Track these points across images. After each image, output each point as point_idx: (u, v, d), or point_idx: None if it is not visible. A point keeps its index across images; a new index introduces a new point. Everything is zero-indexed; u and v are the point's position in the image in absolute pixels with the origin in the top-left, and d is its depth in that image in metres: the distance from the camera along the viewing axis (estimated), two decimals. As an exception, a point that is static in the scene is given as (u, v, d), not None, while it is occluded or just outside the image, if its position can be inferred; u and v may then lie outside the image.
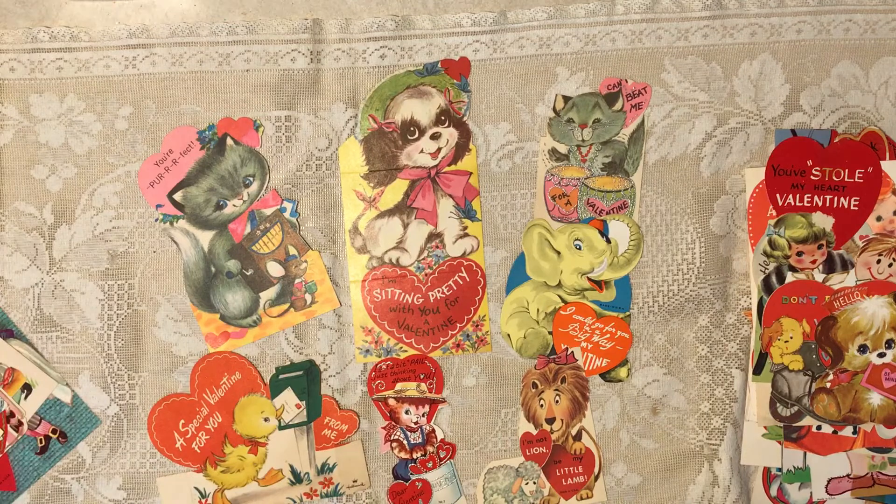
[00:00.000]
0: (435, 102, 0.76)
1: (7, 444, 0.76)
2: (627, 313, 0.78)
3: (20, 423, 0.76)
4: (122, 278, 0.77)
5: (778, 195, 0.77)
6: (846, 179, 0.76)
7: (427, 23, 0.76)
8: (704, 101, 0.77)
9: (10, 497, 0.76)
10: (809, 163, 0.76)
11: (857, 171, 0.76)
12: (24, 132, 0.75)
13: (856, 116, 0.78)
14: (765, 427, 0.79)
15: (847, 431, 0.79)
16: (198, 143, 0.73)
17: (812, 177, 0.76)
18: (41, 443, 0.76)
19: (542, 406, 0.75)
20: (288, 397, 0.76)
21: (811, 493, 0.79)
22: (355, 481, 0.78)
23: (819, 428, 0.79)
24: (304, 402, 0.76)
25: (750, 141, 0.77)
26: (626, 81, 0.76)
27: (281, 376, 0.76)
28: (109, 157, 0.76)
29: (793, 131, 0.77)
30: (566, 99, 0.76)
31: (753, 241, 0.77)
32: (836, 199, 0.76)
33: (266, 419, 0.76)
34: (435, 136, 0.76)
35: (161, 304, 0.77)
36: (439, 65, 0.76)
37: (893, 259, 0.77)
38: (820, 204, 0.76)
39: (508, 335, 0.78)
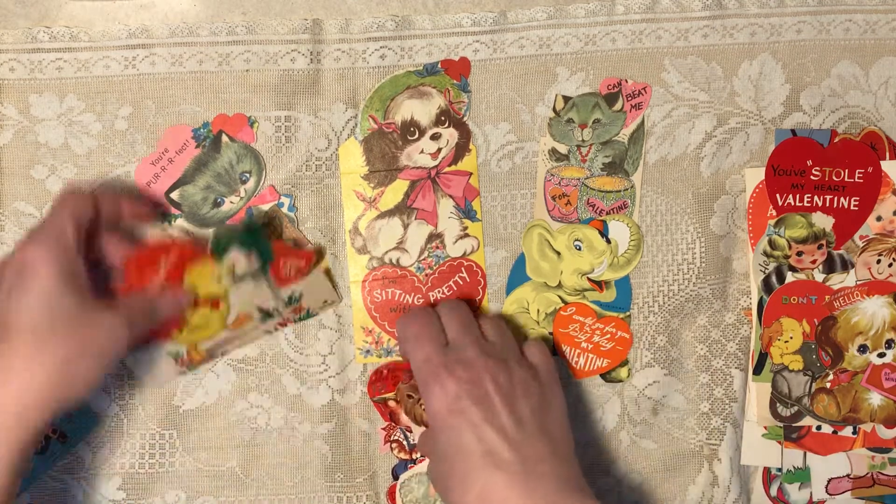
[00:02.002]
0: (435, 103, 0.76)
1: (7, 444, 0.76)
2: (628, 313, 0.78)
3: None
4: (122, 278, 0.77)
5: (778, 195, 0.77)
6: (846, 179, 0.76)
7: (427, 23, 0.76)
8: (704, 101, 0.77)
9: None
10: (809, 163, 0.76)
11: (857, 171, 0.76)
12: (24, 132, 0.75)
13: (856, 116, 0.78)
14: (765, 427, 0.79)
15: (847, 431, 0.79)
16: (193, 141, 0.73)
17: (812, 177, 0.76)
18: (41, 443, 0.76)
19: (424, 409, 0.73)
20: (235, 254, 0.74)
21: (811, 493, 0.79)
22: (326, 301, 0.78)
23: (819, 428, 0.79)
24: (252, 253, 0.75)
25: (750, 141, 0.77)
26: (626, 81, 0.76)
27: (221, 240, 0.74)
28: (109, 158, 0.76)
29: (793, 131, 0.77)
30: (566, 99, 0.76)
31: (753, 241, 0.77)
32: (836, 199, 0.76)
33: (220, 280, 0.74)
34: (435, 137, 0.76)
35: (161, 304, 0.77)
36: (439, 65, 0.76)
37: (893, 259, 0.77)
38: (820, 204, 0.77)
39: None
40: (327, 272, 0.78)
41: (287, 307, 0.77)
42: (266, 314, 0.76)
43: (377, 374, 0.78)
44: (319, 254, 0.77)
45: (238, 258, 0.74)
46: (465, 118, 0.76)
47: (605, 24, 0.77)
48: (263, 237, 0.76)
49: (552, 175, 0.77)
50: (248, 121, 0.73)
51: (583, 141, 0.76)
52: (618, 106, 0.76)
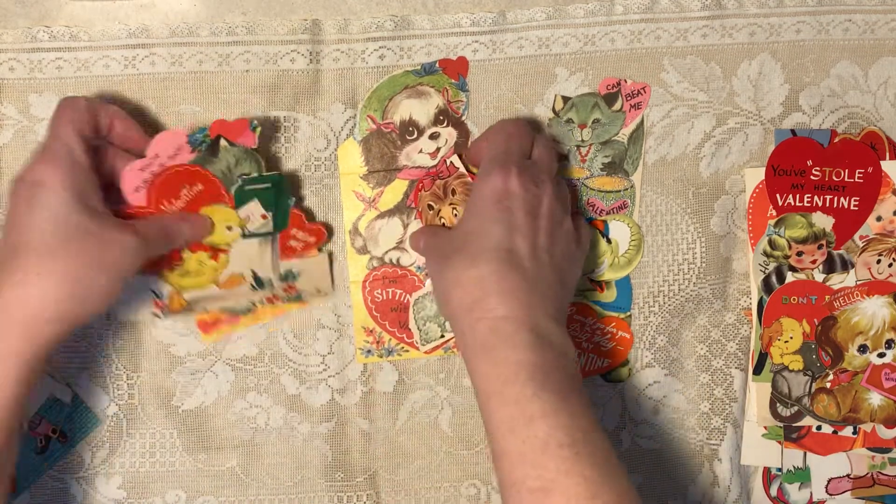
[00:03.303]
0: (433, 102, 0.76)
1: (7, 444, 0.76)
2: (628, 314, 0.78)
3: (20, 424, 0.76)
4: (122, 278, 0.77)
5: (778, 195, 0.77)
6: (846, 179, 0.76)
7: (426, 23, 0.76)
8: (704, 101, 0.77)
9: (9, 497, 0.76)
10: (809, 163, 0.76)
11: (857, 171, 0.76)
12: (24, 132, 0.75)
13: (855, 116, 0.78)
14: (765, 427, 0.79)
15: (847, 431, 0.79)
16: (188, 146, 0.72)
17: (812, 177, 0.76)
18: (41, 443, 0.76)
19: (443, 224, 0.74)
20: (253, 208, 0.74)
21: (811, 493, 0.80)
22: (318, 290, 0.77)
23: (819, 428, 0.79)
24: (270, 214, 0.74)
25: (749, 141, 0.77)
26: (626, 81, 0.76)
27: (247, 187, 0.73)
28: (109, 157, 0.76)
29: (792, 131, 0.77)
30: (565, 99, 0.76)
31: (753, 241, 0.77)
32: (836, 199, 0.76)
33: (229, 228, 0.74)
34: (434, 136, 0.76)
35: (160, 304, 0.77)
36: (437, 65, 0.75)
37: (893, 259, 0.77)
38: (820, 204, 0.77)
39: None
40: (330, 260, 0.78)
41: (281, 282, 0.77)
42: (259, 283, 0.76)
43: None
44: (329, 235, 0.77)
45: (255, 213, 0.74)
46: (463, 117, 0.76)
47: (604, 25, 0.77)
48: (285, 201, 0.75)
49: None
50: (250, 125, 0.73)
51: (582, 141, 0.76)
52: (617, 106, 0.76)
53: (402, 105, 0.76)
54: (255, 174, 0.72)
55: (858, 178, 0.76)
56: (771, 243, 0.77)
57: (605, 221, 0.77)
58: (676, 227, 0.78)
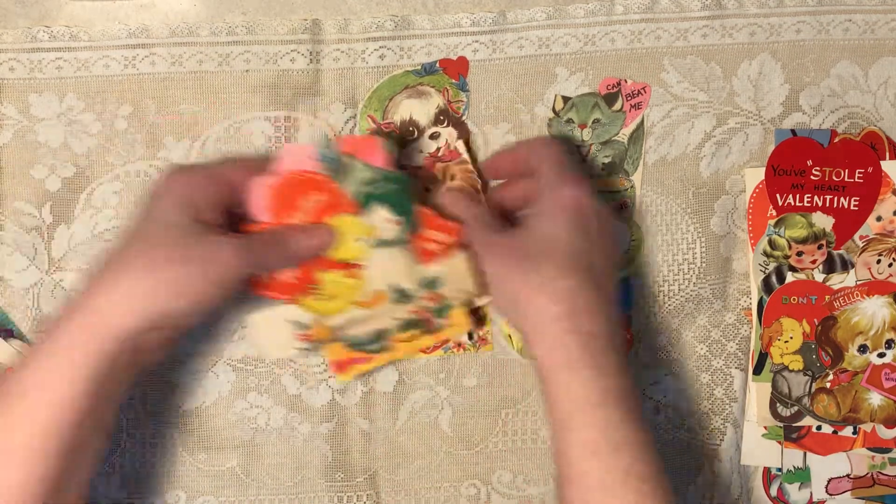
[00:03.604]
0: (433, 102, 0.76)
1: (6, 444, 0.76)
2: (628, 314, 0.78)
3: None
4: (122, 278, 0.77)
5: (778, 195, 0.77)
6: (846, 179, 0.76)
7: (426, 23, 0.76)
8: (704, 100, 0.77)
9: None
10: (809, 163, 0.76)
11: (857, 171, 0.76)
12: (24, 132, 0.75)
13: (855, 116, 0.78)
14: (765, 427, 0.79)
15: (847, 431, 0.79)
16: (315, 157, 0.69)
17: (812, 177, 0.76)
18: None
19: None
20: (382, 214, 0.69)
21: (811, 493, 0.80)
22: (467, 292, 0.73)
23: (819, 428, 0.79)
24: (400, 218, 0.70)
25: (749, 141, 0.77)
26: (626, 81, 0.76)
27: (373, 192, 0.69)
28: (109, 157, 0.76)
29: (793, 131, 0.77)
30: (565, 99, 0.76)
31: (753, 241, 0.77)
32: (836, 199, 0.76)
33: (359, 240, 0.70)
34: (434, 136, 0.76)
35: (160, 304, 0.77)
36: (437, 65, 0.75)
37: (893, 259, 0.77)
38: (820, 204, 0.77)
39: (510, 336, 0.78)
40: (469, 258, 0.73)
41: (425, 292, 0.72)
42: (401, 295, 0.72)
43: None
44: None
45: (384, 220, 0.70)
46: (463, 117, 0.76)
47: (604, 25, 0.77)
48: (412, 200, 0.70)
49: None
50: (384, 144, 0.69)
51: (583, 141, 0.76)
52: (617, 106, 0.76)
53: (402, 105, 0.76)
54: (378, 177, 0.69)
55: (858, 178, 0.76)
56: (771, 243, 0.77)
57: None
58: (676, 227, 0.78)
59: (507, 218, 0.73)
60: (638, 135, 0.76)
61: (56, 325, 0.61)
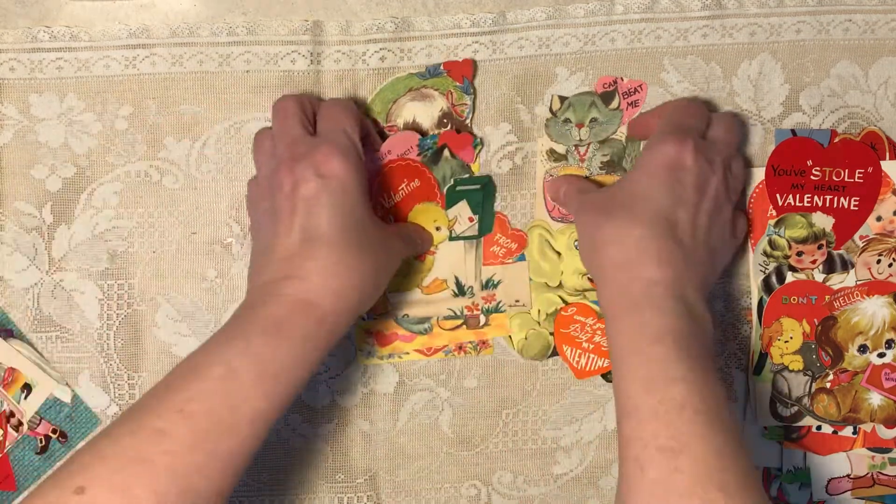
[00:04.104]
0: (437, 105, 0.76)
1: (7, 444, 0.76)
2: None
3: (20, 423, 0.76)
4: (122, 278, 0.76)
5: (778, 195, 0.77)
6: (846, 179, 0.76)
7: (426, 24, 0.76)
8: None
9: (10, 497, 0.76)
10: (809, 163, 0.76)
11: (857, 171, 0.76)
12: (24, 132, 0.75)
13: (855, 116, 0.78)
14: (765, 427, 0.79)
15: (847, 431, 0.79)
16: (417, 148, 0.74)
17: (812, 177, 0.76)
18: (41, 443, 0.76)
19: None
20: (462, 209, 0.75)
21: (811, 493, 0.80)
22: (517, 301, 0.78)
23: (819, 428, 0.79)
24: (477, 216, 0.76)
25: (749, 141, 0.77)
26: (622, 79, 0.76)
27: (458, 188, 0.75)
28: (109, 157, 0.76)
29: (793, 131, 0.77)
30: (562, 99, 0.76)
31: (753, 242, 0.77)
32: (836, 199, 0.76)
33: (438, 228, 0.76)
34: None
35: (161, 304, 0.77)
36: (442, 67, 0.75)
37: (893, 259, 0.77)
38: (820, 204, 0.77)
39: (510, 337, 0.78)
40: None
41: (482, 290, 0.77)
42: (460, 289, 0.77)
43: None
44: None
45: (463, 215, 0.75)
46: (467, 120, 0.76)
47: (604, 24, 0.77)
48: (491, 205, 0.76)
49: (551, 175, 0.77)
50: (473, 142, 0.75)
51: (580, 140, 0.76)
52: (614, 104, 0.76)
53: (405, 108, 0.76)
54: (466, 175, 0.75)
55: (858, 178, 0.76)
56: (771, 243, 0.77)
57: None
58: (677, 227, 0.78)
59: None
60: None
61: (300, 311, 0.63)
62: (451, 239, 0.76)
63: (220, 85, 0.76)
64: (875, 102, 0.77)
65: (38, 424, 0.76)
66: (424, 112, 0.76)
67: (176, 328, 0.77)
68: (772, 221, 0.77)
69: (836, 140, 0.77)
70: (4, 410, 0.76)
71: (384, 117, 0.76)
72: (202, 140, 0.76)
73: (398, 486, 0.80)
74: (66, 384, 0.76)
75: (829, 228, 0.77)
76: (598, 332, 0.77)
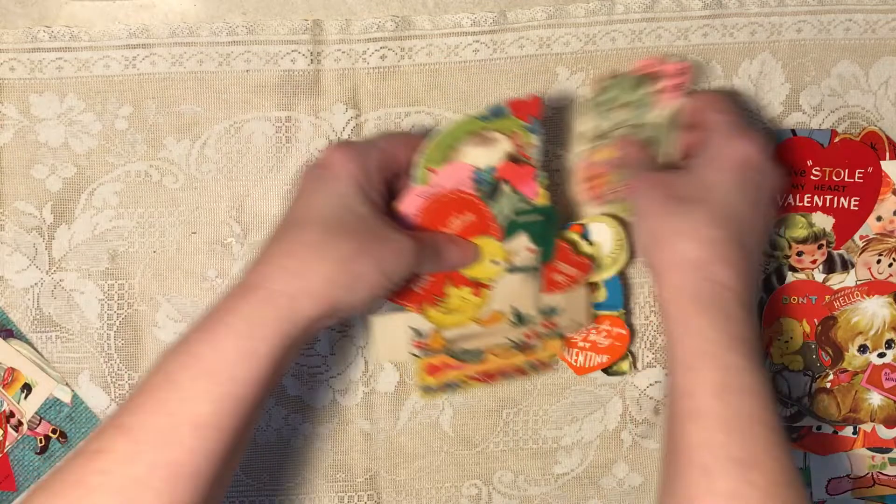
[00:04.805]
0: (501, 148, 0.70)
1: (7, 444, 0.76)
2: (622, 311, 0.78)
3: (20, 423, 0.76)
4: (123, 278, 0.77)
5: (778, 195, 0.76)
6: (846, 179, 0.76)
7: (427, 23, 0.76)
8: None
9: (9, 497, 0.76)
10: (809, 163, 0.76)
11: (857, 171, 0.76)
12: (24, 132, 0.75)
13: (856, 116, 0.78)
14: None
15: (847, 432, 0.79)
16: (471, 181, 0.70)
17: (812, 177, 0.76)
18: (41, 443, 0.77)
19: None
20: (521, 241, 0.72)
21: (811, 493, 0.80)
22: (578, 322, 0.76)
23: (819, 428, 0.79)
24: (539, 248, 0.72)
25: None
26: (668, 59, 0.74)
27: (519, 219, 0.71)
28: (109, 157, 0.76)
29: (793, 131, 0.77)
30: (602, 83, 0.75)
31: (754, 242, 0.77)
32: (836, 199, 0.76)
33: (495, 262, 0.72)
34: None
35: (161, 304, 0.77)
36: (506, 106, 0.70)
37: (894, 259, 0.77)
38: (820, 204, 0.77)
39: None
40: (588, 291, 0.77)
41: (541, 317, 0.75)
42: (519, 319, 0.74)
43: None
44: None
45: (522, 247, 0.72)
46: (532, 162, 0.71)
47: (604, 24, 0.77)
48: (553, 234, 0.73)
49: (585, 159, 0.76)
50: (535, 174, 0.70)
51: (622, 121, 0.75)
52: (658, 86, 0.73)
53: (466, 155, 0.69)
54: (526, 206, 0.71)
55: (858, 178, 0.76)
56: (771, 243, 0.77)
57: (583, 225, 0.76)
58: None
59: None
60: (677, 119, 0.74)
61: (240, 297, 0.60)
62: (510, 272, 0.72)
63: (219, 85, 0.76)
64: (875, 102, 0.77)
65: (38, 424, 0.76)
66: (486, 158, 0.70)
67: (176, 328, 0.77)
68: (772, 221, 0.77)
69: (836, 140, 0.77)
70: (4, 410, 0.76)
71: (442, 167, 0.70)
72: (202, 140, 0.76)
73: (399, 485, 0.80)
74: (66, 384, 0.77)
75: (829, 228, 0.77)
76: (593, 331, 0.77)
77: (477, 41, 0.76)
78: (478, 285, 0.72)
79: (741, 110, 0.73)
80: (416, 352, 0.74)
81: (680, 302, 0.65)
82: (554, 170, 0.77)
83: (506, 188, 0.70)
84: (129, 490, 0.54)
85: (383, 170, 0.67)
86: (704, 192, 0.67)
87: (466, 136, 0.69)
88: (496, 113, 0.69)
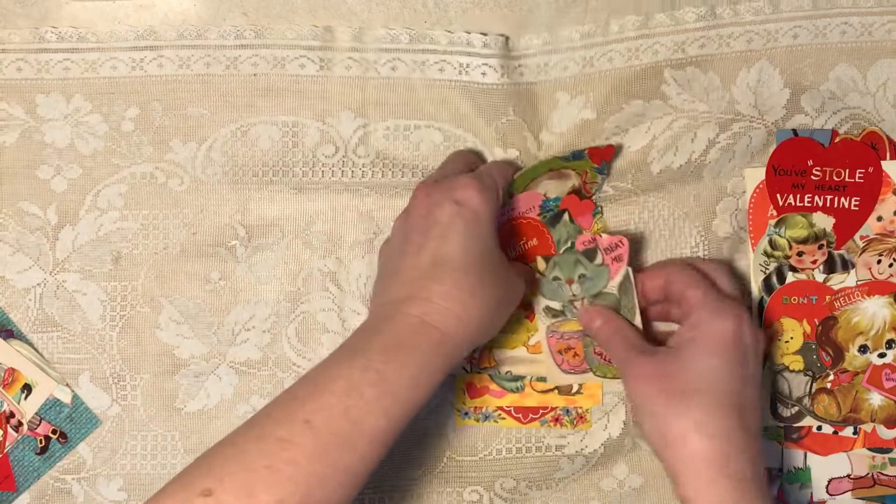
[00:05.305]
0: (569, 183, 0.76)
1: (7, 444, 0.75)
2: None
3: (20, 424, 0.75)
4: (126, 280, 0.76)
5: (778, 195, 0.78)
6: (847, 179, 0.77)
7: (443, 38, 0.77)
8: (704, 111, 0.78)
9: (10, 497, 0.75)
10: (810, 163, 0.77)
11: (858, 171, 0.77)
12: (30, 132, 0.75)
13: (857, 118, 0.79)
14: (765, 427, 0.79)
15: (847, 432, 0.79)
16: (538, 208, 0.76)
17: (812, 177, 0.77)
18: (41, 443, 0.76)
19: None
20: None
21: (811, 493, 0.80)
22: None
23: (819, 428, 0.79)
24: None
25: (753, 143, 0.78)
26: (601, 236, 0.75)
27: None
28: (115, 159, 0.76)
29: (794, 131, 0.78)
30: (546, 259, 0.76)
31: (754, 242, 0.78)
32: (836, 199, 0.77)
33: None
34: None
35: (164, 306, 0.77)
36: (585, 152, 0.75)
37: (894, 259, 0.78)
38: (820, 204, 0.78)
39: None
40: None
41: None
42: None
43: None
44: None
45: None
46: (594, 198, 0.77)
47: (601, 45, 0.78)
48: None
49: (553, 331, 0.77)
50: (594, 209, 0.76)
51: (574, 295, 0.76)
52: (598, 260, 0.75)
53: (541, 185, 0.76)
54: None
55: (859, 178, 0.77)
56: (771, 243, 0.78)
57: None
58: (679, 231, 0.78)
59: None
60: (626, 286, 0.75)
61: (421, 333, 0.64)
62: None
63: (226, 88, 0.76)
64: (875, 104, 0.78)
65: (38, 425, 0.76)
66: (556, 188, 0.76)
67: (178, 330, 0.77)
68: (772, 221, 0.78)
69: (837, 140, 0.78)
70: (4, 411, 0.75)
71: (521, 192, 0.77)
72: (208, 143, 0.77)
73: (401, 491, 0.79)
74: (67, 385, 0.76)
75: (829, 228, 0.78)
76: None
77: (485, 64, 0.77)
78: (531, 311, 0.77)
79: (711, 279, 0.73)
80: (466, 365, 0.78)
81: (703, 501, 0.65)
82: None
83: (565, 217, 0.76)
84: (312, 485, 0.58)
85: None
86: (700, 381, 0.67)
87: (547, 171, 0.75)
88: (576, 156, 0.75)
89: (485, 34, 0.77)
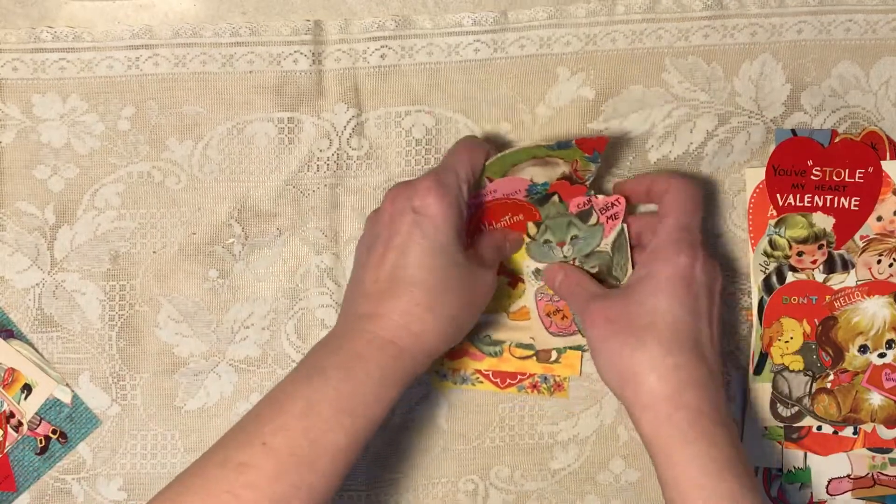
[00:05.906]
0: (558, 170, 0.73)
1: (7, 444, 0.76)
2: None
3: (20, 424, 0.76)
4: (124, 279, 0.77)
5: (778, 195, 0.77)
6: (846, 179, 0.76)
7: (428, 22, 0.76)
8: (705, 101, 0.77)
9: (9, 497, 0.76)
10: (810, 163, 0.76)
11: (858, 171, 0.76)
12: (27, 132, 0.75)
13: (856, 116, 0.78)
14: (765, 427, 0.79)
15: (847, 432, 0.79)
16: (525, 192, 0.74)
17: (812, 177, 0.77)
18: (41, 443, 0.76)
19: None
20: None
21: (811, 493, 0.80)
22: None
23: (819, 428, 0.79)
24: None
25: (751, 140, 0.77)
26: (596, 197, 0.74)
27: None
28: (111, 158, 0.76)
29: (793, 131, 0.77)
30: (537, 225, 0.75)
31: (754, 242, 0.77)
32: (836, 199, 0.77)
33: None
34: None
35: (163, 304, 0.77)
36: (573, 142, 0.71)
37: (894, 259, 0.77)
38: (820, 204, 0.77)
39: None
40: None
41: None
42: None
43: None
44: None
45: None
46: (587, 183, 0.74)
47: (605, 24, 0.77)
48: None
49: (542, 294, 0.77)
50: (584, 193, 0.74)
51: (565, 257, 0.75)
52: (592, 220, 0.74)
53: (524, 171, 0.73)
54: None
55: (859, 178, 0.76)
56: (771, 243, 0.77)
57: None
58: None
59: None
60: (621, 242, 0.75)
61: (378, 348, 0.65)
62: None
63: (222, 85, 0.76)
64: (876, 102, 0.77)
65: (38, 425, 0.76)
66: (543, 174, 0.73)
67: (177, 328, 0.77)
68: (772, 221, 0.77)
69: (837, 140, 0.77)
70: (4, 411, 0.76)
71: (500, 177, 0.74)
72: (205, 141, 0.76)
73: (395, 481, 0.80)
74: (67, 385, 0.77)
75: (829, 228, 0.77)
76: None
77: (478, 40, 0.76)
78: (515, 277, 0.77)
79: (683, 212, 0.71)
80: None
81: (661, 437, 0.65)
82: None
83: (555, 198, 0.74)
84: None
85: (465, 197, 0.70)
86: (651, 317, 0.67)
87: (530, 158, 0.73)
88: (562, 146, 0.71)
89: (474, 13, 0.76)
